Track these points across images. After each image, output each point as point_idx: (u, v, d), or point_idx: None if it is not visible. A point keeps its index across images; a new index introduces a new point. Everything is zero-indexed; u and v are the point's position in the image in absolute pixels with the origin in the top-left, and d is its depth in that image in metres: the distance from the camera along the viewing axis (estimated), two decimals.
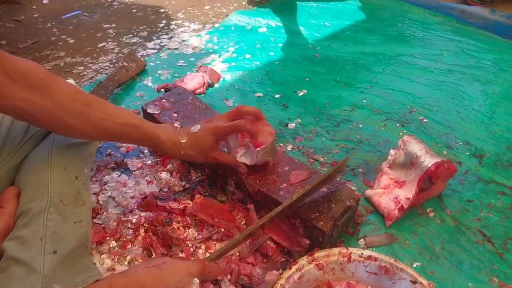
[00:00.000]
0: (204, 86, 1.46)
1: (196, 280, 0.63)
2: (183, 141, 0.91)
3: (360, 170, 1.15)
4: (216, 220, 0.97)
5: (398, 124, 1.32)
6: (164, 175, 1.10)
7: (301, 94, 1.47)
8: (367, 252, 0.83)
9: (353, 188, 1.09)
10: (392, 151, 1.09)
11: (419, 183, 0.98)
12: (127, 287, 0.57)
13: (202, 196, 1.02)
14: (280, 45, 1.77)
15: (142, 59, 1.60)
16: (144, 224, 0.97)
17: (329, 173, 0.91)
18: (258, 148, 0.92)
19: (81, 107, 0.78)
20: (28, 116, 0.74)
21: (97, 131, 0.82)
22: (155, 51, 1.74)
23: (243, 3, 2.19)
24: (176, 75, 1.57)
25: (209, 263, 0.71)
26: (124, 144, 1.20)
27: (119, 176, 1.10)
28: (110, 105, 0.84)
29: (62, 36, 1.84)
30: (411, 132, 1.27)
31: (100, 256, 0.91)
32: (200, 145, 0.92)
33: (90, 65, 1.64)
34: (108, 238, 0.93)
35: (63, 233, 0.73)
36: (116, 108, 0.85)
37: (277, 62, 1.66)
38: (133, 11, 2.09)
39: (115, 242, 0.94)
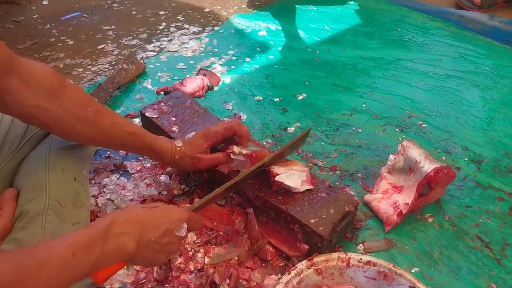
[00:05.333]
0: (204, 89, 1.46)
1: (185, 225, 0.72)
2: (179, 145, 0.94)
3: (359, 175, 1.15)
4: (215, 223, 0.97)
5: (397, 129, 1.32)
6: (163, 178, 1.10)
7: (300, 98, 1.47)
8: (366, 257, 0.83)
9: (352, 193, 1.09)
10: (391, 156, 1.09)
11: (418, 189, 0.98)
12: (127, 222, 0.63)
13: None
14: (280, 48, 1.77)
15: (142, 61, 1.60)
16: None
17: (295, 139, 1.00)
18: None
19: (92, 114, 0.79)
20: (39, 122, 0.75)
21: (105, 139, 0.83)
22: (155, 53, 1.74)
23: (243, 6, 2.19)
24: (175, 77, 1.57)
25: (194, 214, 0.77)
26: None
27: (118, 178, 1.10)
28: (117, 114, 0.87)
29: (62, 38, 1.83)
30: (410, 137, 1.27)
31: None
32: (192, 147, 0.94)
33: (90, 67, 1.63)
34: None
35: (61, 235, 0.73)
36: (122, 117, 0.89)
37: (276, 66, 1.66)
38: (133, 13, 2.09)
39: None
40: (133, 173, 1.12)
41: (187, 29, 1.94)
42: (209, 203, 0.85)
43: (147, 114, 1.15)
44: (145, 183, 1.09)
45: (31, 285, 0.51)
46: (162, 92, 1.45)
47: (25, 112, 0.72)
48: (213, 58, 1.70)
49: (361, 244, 0.96)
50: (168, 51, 1.75)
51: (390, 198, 1.03)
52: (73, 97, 0.77)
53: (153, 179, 1.10)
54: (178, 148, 0.93)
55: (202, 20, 2.03)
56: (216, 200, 0.90)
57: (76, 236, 0.58)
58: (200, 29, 1.95)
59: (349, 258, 0.84)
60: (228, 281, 0.86)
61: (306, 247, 0.88)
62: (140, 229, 0.65)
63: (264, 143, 1.24)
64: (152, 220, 0.67)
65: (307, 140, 1.27)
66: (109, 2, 2.19)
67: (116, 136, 0.84)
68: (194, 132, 0.98)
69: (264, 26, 1.94)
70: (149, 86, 1.51)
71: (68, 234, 0.58)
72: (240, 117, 1.36)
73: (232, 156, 0.96)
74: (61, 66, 1.63)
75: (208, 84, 1.49)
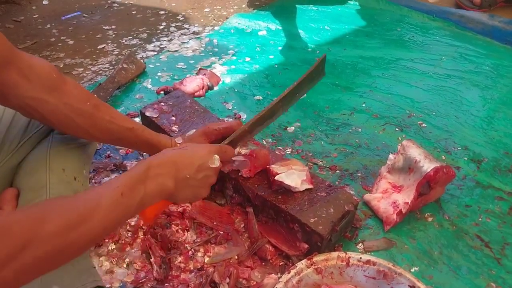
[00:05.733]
0: (204, 89, 1.46)
1: (216, 156, 0.77)
2: (179, 142, 0.95)
3: (359, 174, 1.15)
4: (215, 223, 0.98)
5: (397, 129, 1.32)
6: None
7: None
8: (365, 257, 0.84)
9: (352, 192, 1.09)
10: (391, 156, 1.09)
11: (417, 188, 0.98)
12: (162, 165, 0.68)
13: (201, 199, 1.02)
14: (280, 48, 1.78)
15: (142, 61, 1.61)
16: (143, 227, 0.97)
17: (313, 68, 0.98)
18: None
19: (91, 108, 0.80)
20: (38, 114, 0.76)
21: (103, 133, 0.84)
22: (155, 53, 1.74)
23: (243, 6, 2.19)
24: (175, 77, 1.57)
25: (224, 145, 0.83)
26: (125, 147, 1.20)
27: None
28: (115, 109, 0.88)
29: (62, 37, 1.84)
30: (410, 137, 1.27)
31: (99, 258, 0.90)
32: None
33: (90, 67, 1.64)
34: (107, 240, 0.93)
35: None
36: (121, 113, 0.89)
37: (276, 66, 1.66)
38: (133, 12, 2.09)
39: (114, 244, 0.93)
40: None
41: (187, 28, 1.94)
42: (238, 140, 0.90)
43: (147, 113, 1.16)
44: None
45: (90, 227, 0.53)
46: (162, 92, 1.46)
47: (24, 105, 0.73)
48: (213, 58, 1.70)
49: (360, 244, 0.96)
50: (168, 50, 1.75)
51: (389, 197, 1.03)
52: (72, 91, 0.78)
53: None
54: (178, 145, 0.94)
55: (202, 20, 2.03)
56: (243, 137, 0.92)
57: (119, 180, 0.61)
58: (200, 28, 1.95)
59: (349, 257, 0.84)
60: (228, 280, 0.86)
61: (306, 246, 0.89)
62: (174, 169, 0.69)
63: (264, 143, 1.24)
64: (183, 159, 0.71)
65: (307, 139, 1.27)
66: (109, 2, 2.20)
67: (114, 131, 0.85)
68: (194, 130, 0.98)
69: (264, 26, 1.94)
70: (149, 86, 1.52)
71: (110, 181, 0.62)
72: (240, 117, 1.36)
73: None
74: (61, 66, 1.64)
75: (208, 83, 1.49)
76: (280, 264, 0.91)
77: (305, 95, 1.02)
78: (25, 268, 0.47)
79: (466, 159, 1.21)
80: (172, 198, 0.71)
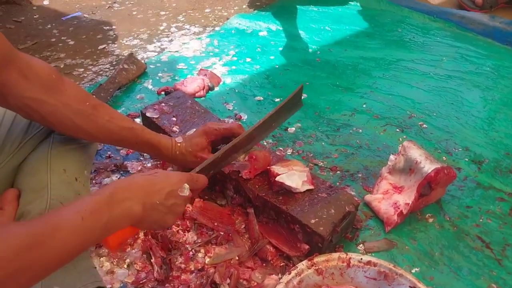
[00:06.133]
0: (204, 89, 1.46)
1: (186, 185, 0.74)
2: (179, 141, 0.94)
3: (360, 175, 1.15)
4: (215, 223, 0.98)
5: (397, 129, 1.32)
6: None
7: None
8: (366, 258, 0.84)
9: (353, 193, 1.09)
10: (392, 157, 1.09)
11: (418, 189, 0.98)
12: (129, 189, 0.65)
13: (201, 200, 1.02)
14: (281, 49, 1.78)
15: (143, 61, 1.60)
16: None
17: (288, 99, 0.99)
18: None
19: (90, 109, 0.80)
20: (37, 115, 0.76)
21: (102, 133, 0.84)
22: (156, 53, 1.74)
23: (244, 6, 2.20)
24: (176, 78, 1.57)
25: (195, 174, 0.80)
26: (124, 148, 1.20)
27: (119, 178, 1.10)
28: (115, 110, 0.88)
29: (62, 38, 1.84)
30: (411, 138, 1.27)
31: (100, 259, 0.90)
32: (192, 144, 0.95)
33: (90, 67, 1.64)
34: None
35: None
36: (120, 113, 0.89)
37: (277, 66, 1.66)
38: (134, 13, 2.10)
39: None
40: (133, 173, 1.12)
41: (188, 29, 1.94)
42: (210, 168, 0.87)
43: (147, 114, 1.16)
44: None
45: (47, 249, 0.51)
46: (162, 92, 1.46)
47: (23, 105, 0.73)
48: (213, 59, 1.70)
49: (361, 244, 0.96)
50: (169, 51, 1.75)
51: (390, 198, 1.03)
52: (70, 92, 0.78)
53: None
54: (179, 144, 0.94)
55: (202, 21, 2.03)
56: (216, 164, 0.89)
57: (82, 203, 0.58)
58: (201, 29, 1.95)
59: (350, 258, 0.84)
60: (228, 281, 0.86)
61: (307, 247, 0.89)
62: (143, 193, 0.66)
63: (265, 143, 1.24)
64: (152, 185, 0.69)
65: (307, 140, 1.27)
66: (109, 2, 2.20)
67: (114, 131, 0.85)
68: (194, 129, 0.99)
69: (264, 27, 1.94)
70: (150, 86, 1.52)
71: (73, 202, 0.59)
72: (241, 118, 1.36)
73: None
74: (61, 66, 1.64)
75: (209, 84, 1.49)
76: (281, 265, 0.91)
77: (281, 125, 1.04)
78: None
79: (467, 160, 1.21)
80: (137, 225, 0.68)
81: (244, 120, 1.35)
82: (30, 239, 0.50)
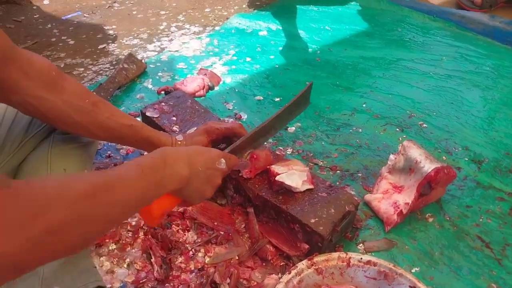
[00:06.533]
0: (204, 89, 1.46)
1: (223, 160, 0.78)
2: (180, 139, 0.95)
3: (360, 174, 1.15)
4: (215, 223, 0.98)
5: (397, 129, 1.32)
6: None
7: None
8: (366, 257, 0.84)
9: (352, 193, 1.09)
10: (391, 156, 1.09)
11: (418, 188, 0.98)
12: (177, 153, 0.68)
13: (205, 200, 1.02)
14: (281, 48, 1.78)
15: (143, 61, 1.60)
16: (144, 227, 0.97)
17: (297, 96, 1.03)
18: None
19: (90, 106, 0.80)
20: (37, 112, 0.76)
21: (102, 130, 0.84)
22: (156, 53, 1.74)
23: (244, 6, 2.20)
24: (176, 77, 1.57)
25: (228, 153, 0.83)
26: (124, 146, 1.20)
27: None
28: (115, 107, 0.88)
29: (62, 37, 1.84)
30: (411, 137, 1.27)
31: (100, 258, 0.90)
32: (193, 142, 0.95)
33: (90, 67, 1.64)
34: (107, 240, 0.93)
35: None
36: (120, 110, 0.89)
37: (277, 66, 1.66)
38: (134, 13, 2.10)
39: (115, 244, 0.93)
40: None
41: (188, 29, 1.94)
42: (239, 149, 0.90)
43: (147, 113, 1.16)
44: None
45: (109, 198, 0.52)
46: (162, 92, 1.46)
47: (24, 102, 0.74)
48: (213, 58, 1.70)
49: (361, 244, 0.96)
50: (169, 51, 1.75)
51: (390, 198, 1.03)
52: (71, 89, 0.78)
53: None
54: (179, 142, 0.94)
55: (202, 20, 2.03)
56: (244, 146, 0.93)
57: (140, 160, 0.62)
58: (201, 29, 1.95)
59: (350, 257, 0.84)
60: (228, 280, 0.86)
61: (307, 246, 0.89)
62: (189, 160, 0.69)
63: (265, 143, 1.24)
64: (196, 153, 0.73)
65: (307, 139, 1.27)
66: (110, 2, 2.20)
67: (114, 128, 0.85)
68: (195, 128, 0.99)
69: (264, 26, 1.94)
70: (150, 86, 1.52)
71: (132, 159, 0.62)
72: (241, 117, 1.36)
73: None
74: (62, 66, 1.64)
75: (209, 84, 1.49)
76: (281, 264, 0.91)
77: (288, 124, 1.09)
78: (45, 234, 0.43)
79: (466, 159, 1.21)
80: (181, 192, 0.70)
81: (244, 120, 1.35)
82: (94, 186, 0.49)
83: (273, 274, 0.88)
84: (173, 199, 0.71)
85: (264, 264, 0.91)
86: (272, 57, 1.72)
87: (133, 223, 0.97)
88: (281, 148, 1.24)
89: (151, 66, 1.63)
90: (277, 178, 0.91)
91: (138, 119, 1.29)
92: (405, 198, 1.00)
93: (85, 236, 0.49)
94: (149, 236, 0.94)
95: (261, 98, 1.47)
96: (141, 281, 0.87)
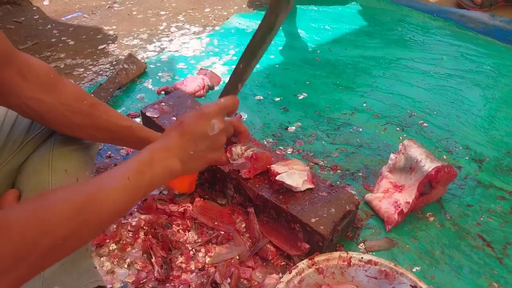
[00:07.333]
0: (204, 89, 1.46)
1: (214, 122, 0.73)
2: None
3: (360, 174, 1.15)
4: (216, 223, 0.97)
5: (398, 128, 1.32)
6: None
7: (301, 97, 1.47)
8: (367, 257, 0.83)
9: (353, 192, 1.09)
10: (392, 155, 1.09)
11: (419, 188, 0.98)
12: (164, 149, 0.69)
13: (202, 199, 1.02)
14: (280, 48, 1.77)
15: (143, 61, 1.61)
16: (144, 227, 0.97)
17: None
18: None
19: (88, 107, 0.81)
20: (35, 114, 0.76)
21: (100, 132, 0.84)
22: (156, 53, 1.74)
23: (244, 6, 2.20)
24: (176, 77, 1.57)
25: (221, 101, 0.78)
26: (125, 147, 1.20)
27: None
28: (113, 109, 0.88)
29: (62, 38, 1.84)
30: (411, 136, 1.27)
31: (100, 258, 0.90)
32: None
33: (90, 67, 1.64)
34: (108, 240, 0.93)
35: None
36: (118, 112, 0.89)
37: (277, 65, 1.66)
38: (134, 13, 2.10)
39: (115, 244, 0.93)
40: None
41: (188, 29, 1.94)
42: (232, 84, 0.81)
43: (148, 113, 1.16)
44: None
45: (101, 206, 0.55)
46: (162, 92, 1.46)
47: (22, 104, 0.74)
48: (213, 58, 1.70)
49: (362, 243, 0.96)
50: (169, 51, 1.75)
51: (391, 197, 1.03)
52: (68, 91, 0.79)
53: None
54: None
55: (202, 20, 2.03)
56: (236, 78, 0.81)
57: (126, 165, 0.63)
58: (201, 29, 1.95)
59: (350, 257, 0.84)
60: (229, 280, 0.86)
61: (307, 246, 0.88)
62: (177, 150, 0.70)
63: (265, 143, 1.24)
64: (183, 138, 0.71)
65: (308, 139, 1.27)
66: (109, 2, 2.20)
67: (112, 130, 0.85)
68: None
69: None
70: (150, 86, 1.52)
71: (118, 165, 0.64)
72: (241, 117, 1.36)
73: (231, 159, 0.94)
74: (62, 66, 1.64)
75: (209, 83, 1.49)
76: (282, 264, 0.91)
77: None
78: (43, 257, 0.48)
79: (467, 158, 1.21)
80: (187, 172, 0.72)
81: (244, 120, 1.35)
82: (87, 197, 0.54)
83: (274, 274, 0.88)
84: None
85: (264, 264, 0.91)
86: (272, 56, 1.72)
87: (134, 223, 0.96)
88: (281, 147, 1.24)
89: (151, 66, 1.63)
90: (277, 177, 0.91)
91: (138, 119, 1.30)
92: (406, 197, 1.00)
93: (89, 237, 0.55)
94: (150, 236, 0.94)
95: (261, 97, 1.47)
96: (141, 281, 0.87)
